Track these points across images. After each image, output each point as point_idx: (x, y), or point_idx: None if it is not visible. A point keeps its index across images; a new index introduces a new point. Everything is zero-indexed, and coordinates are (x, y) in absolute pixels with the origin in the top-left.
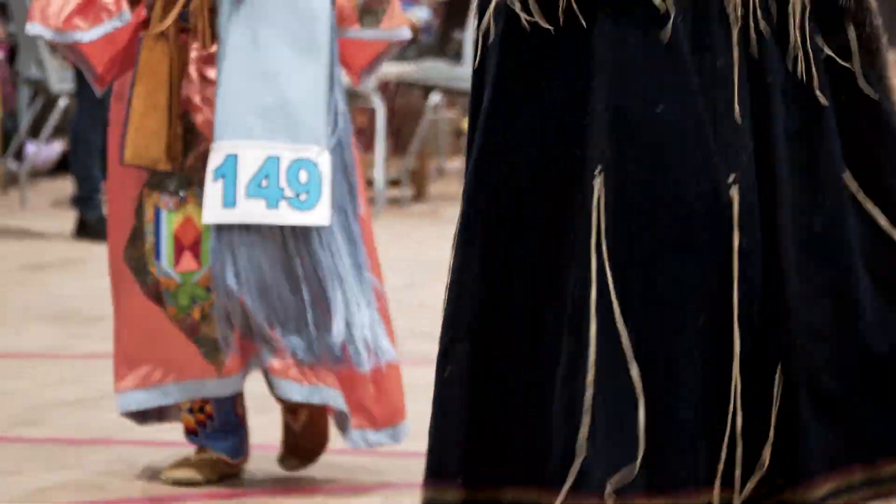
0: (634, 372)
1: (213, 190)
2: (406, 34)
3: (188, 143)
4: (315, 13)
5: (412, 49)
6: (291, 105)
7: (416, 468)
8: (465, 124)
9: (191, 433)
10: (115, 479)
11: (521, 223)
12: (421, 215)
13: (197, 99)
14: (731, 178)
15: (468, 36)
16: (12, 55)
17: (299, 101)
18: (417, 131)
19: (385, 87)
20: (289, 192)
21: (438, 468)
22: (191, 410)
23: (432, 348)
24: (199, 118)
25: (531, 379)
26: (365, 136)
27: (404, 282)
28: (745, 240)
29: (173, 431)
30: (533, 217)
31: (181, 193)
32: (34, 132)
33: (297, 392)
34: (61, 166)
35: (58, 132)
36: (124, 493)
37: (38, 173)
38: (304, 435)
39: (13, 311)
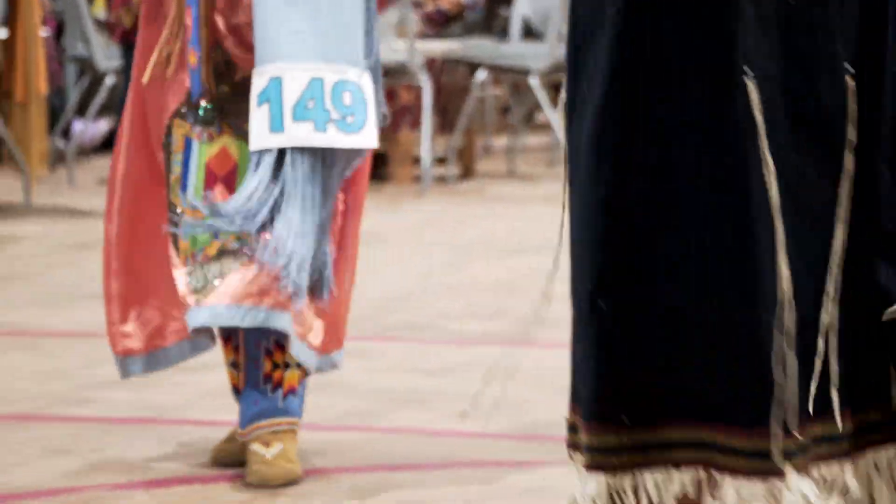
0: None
1: (258, 115)
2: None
3: (221, 73)
4: None
5: (458, 26)
6: (330, 26)
7: (446, 449)
8: (510, 102)
9: (235, 389)
10: (164, 459)
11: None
12: (467, 193)
13: (229, 26)
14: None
15: (515, 13)
16: (59, 32)
17: (337, 22)
18: (464, 109)
19: (431, 65)
20: (335, 115)
21: (602, 411)
22: (233, 364)
23: (478, 328)
24: (232, 46)
25: (698, 311)
26: (411, 114)
27: (450, 260)
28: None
29: (222, 411)
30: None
31: (216, 124)
32: (81, 110)
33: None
34: (108, 144)
35: (105, 110)
36: (172, 472)
37: (84, 151)
38: None
39: (61, 290)
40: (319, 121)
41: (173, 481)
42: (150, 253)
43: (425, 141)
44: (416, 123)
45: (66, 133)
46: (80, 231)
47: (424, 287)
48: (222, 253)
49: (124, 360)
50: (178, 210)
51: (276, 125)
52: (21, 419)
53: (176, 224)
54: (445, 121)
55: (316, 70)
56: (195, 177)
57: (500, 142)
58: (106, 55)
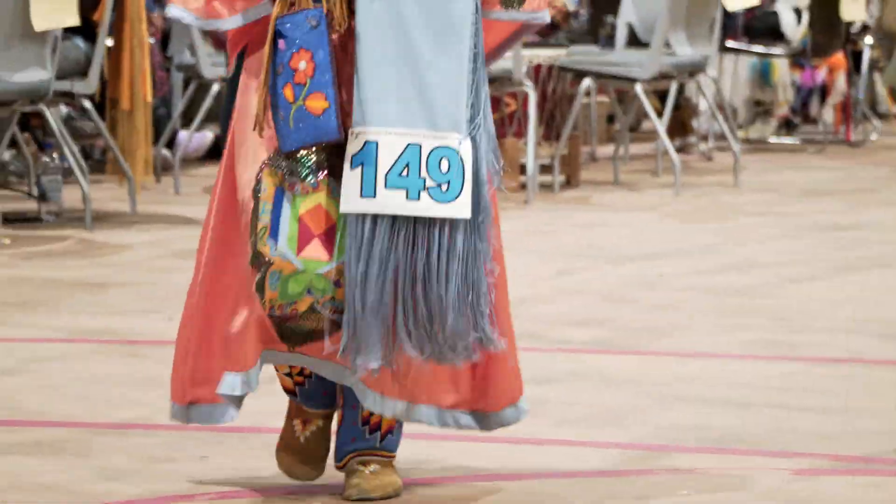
0: None
1: (351, 178)
2: (546, 17)
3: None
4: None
5: (564, 34)
6: (431, 90)
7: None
8: (615, 109)
9: (289, 392)
10: (268, 468)
11: None
12: (572, 202)
13: (343, 77)
14: None
15: (620, 20)
16: (165, 41)
17: (439, 85)
18: (569, 117)
19: (537, 73)
20: (430, 182)
21: None
22: (288, 374)
23: (583, 336)
24: (344, 101)
25: None
26: (516, 122)
27: (556, 268)
28: None
29: None
30: None
31: (312, 178)
32: (186, 118)
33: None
34: (213, 153)
35: (210, 118)
36: (274, 481)
37: (189, 160)
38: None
39: (167, 298)
40: (413, 188)
41: (278, 490)
42: (223, 306)
43: (530, 149)
44: (520, 131)
45: (170, 143)
46: (185, 239)
47: (529, 295)
48: (313, 310)
49: (187, 408)
50: (266, 258)
51: (369, 190)
52: (124, 427)
53: (261, 271)
54: (551, 129)
55: (414, 136)
56: (288, 228)
57: (605, 150)
58: (212, 63)
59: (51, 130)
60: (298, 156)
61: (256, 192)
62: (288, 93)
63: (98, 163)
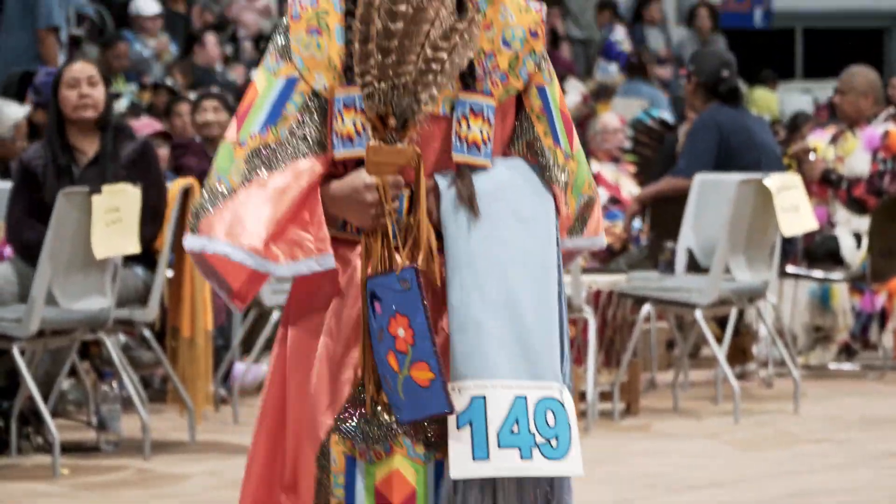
0: None
1: (459, 440)
2: (603, 242)
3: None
4: (549, 230)
5: (623, 260)
6: (532, 336)
7: None
8: (675, 336)
9: None
10: None
11: None
12: (632, 429)
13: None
14: None
15: (680, 246)
16: None
17: (538, 331)
18: (628, 343)
19: (597, 299)
20: (540, 438)
21: None
22: None
23: None
24: None
25: None
26: (576, 349)
27: (616, 498)
28: None
29: None
30: None
31: (384, 444)
32: (245, 346)
33: None
34: None
35: (269, 347)
36: None
37: (247, 391)
38: None
39: None
40: (525, 446)
41: None
42: None
43: (590, 376)
44: (580, 358)
45: (226, 376)
46: (242, 468)
47: None
48: None
49: None
50: None
51: (481, 452)
52: None
53: None
54: (610, 355)
55: (519, 387)
56: (364, 501)
57: (665, 376)
58: (273, 290)
59: (110, 359)
60: (370, 417)
61: (323, 462)
62: (392, 361)
63: (158, 392)
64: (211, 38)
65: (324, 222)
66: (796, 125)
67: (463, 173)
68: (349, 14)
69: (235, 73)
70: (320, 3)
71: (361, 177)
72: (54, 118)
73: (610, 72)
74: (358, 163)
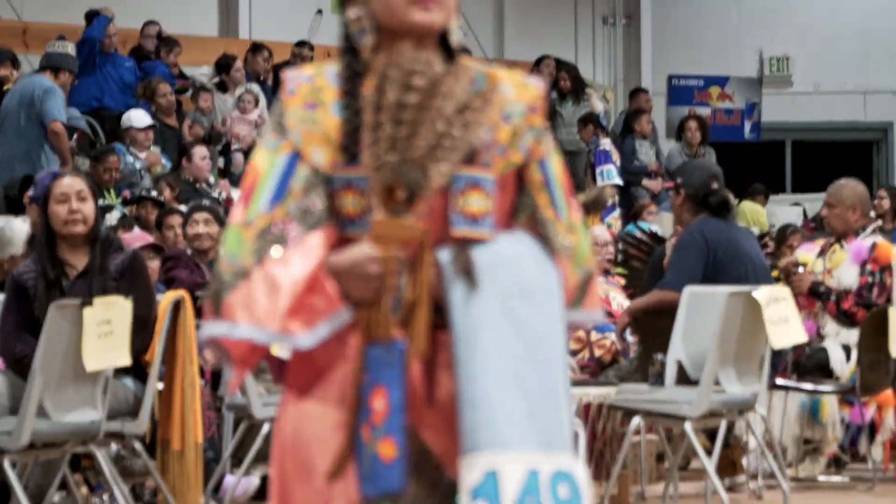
0: None
1: None
2: (601, 317)
3: (409, 466)
4: (554, 303)
5: (613, 372)
6: (541, 409)
7: None
8: (665, 448)
9: None
10: None
11: None
12: None
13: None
14: None
15: (670, 358)
16: (216, 382)
17: (546, 403)
18: (618, 456)
19: (586, 412)
20: None
21: None
22: None
23: None
24: (427, 433)
25: None
26: None
27: None
28: None
29: None
30: None
31: None
32: (235, 459)
33: None
34: (260, 495)
35: (259, 458)
36: None
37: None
38: None
39: None
40: None
41: None
42: None
43: None
44: None
45: (217, 489)
46: None
47: None
48: None
49: None
50: None
51: None
52: None
53: None
54: (600, 468)
55: (532, 460)
56: None
57: (655, 489)
58: (264, 402)
59: (101, 471)
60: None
61: None
62: (366, 433)
63: None
64: (200, 151)
65: (330, 283)
66: (784, 237)
67: (462, 247)
68: (347, 93)
69: (222, 188)
70: (315, 78)
71: (365, 249)
72: (44, 232)
73: (610, 175)
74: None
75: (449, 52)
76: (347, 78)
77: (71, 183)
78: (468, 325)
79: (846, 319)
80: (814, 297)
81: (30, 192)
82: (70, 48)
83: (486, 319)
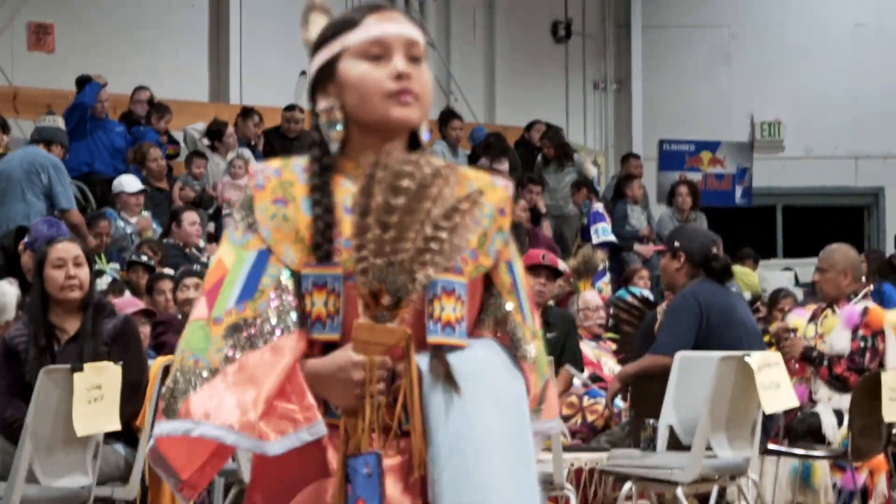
0: None
1: None
2: (559, 426)
3: None
4: (523, 413)
5: (605, 438)
6: (525, 480)
7: None
8: None
9: None
10: None
11: None
12: None
13: None
14: None
15: (662, 423)
16: None
17: (528, 474)
18: None
19: (578, 477)
20: None
21: None
22: None
23: None
24: None
25: None
26: None
27: None
28: None
29: None
30: None
31: None
32: None
33: None
34: None
35: None
36: None
37: None
38: None
39: None
40: None
41: None
42: None
43: None
44: None
45: None
46: None
47: None
48: None
49: None
50: None
51: None
52: None
53: None
54: None
55: None
56: None
57: None
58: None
59: None
60: None
61: None
62: None
63: None
64: (190, 216)
65: (307, 391)
66: (776, 301)
67: (439, 355)
68: (316, 188)
69: (211, 252)
70: (284, 173)
71: (348, 355)
72: (39, 297)
73: (605, 232)
74: (328, 345)
75: (416, 147)
76: (316, 173)
77: (68, 248)
78: (447, 435)
79: (839, 384)
80: (806, 362)
81: (25, 239)
82: (60, 122)
83: (462, 430)
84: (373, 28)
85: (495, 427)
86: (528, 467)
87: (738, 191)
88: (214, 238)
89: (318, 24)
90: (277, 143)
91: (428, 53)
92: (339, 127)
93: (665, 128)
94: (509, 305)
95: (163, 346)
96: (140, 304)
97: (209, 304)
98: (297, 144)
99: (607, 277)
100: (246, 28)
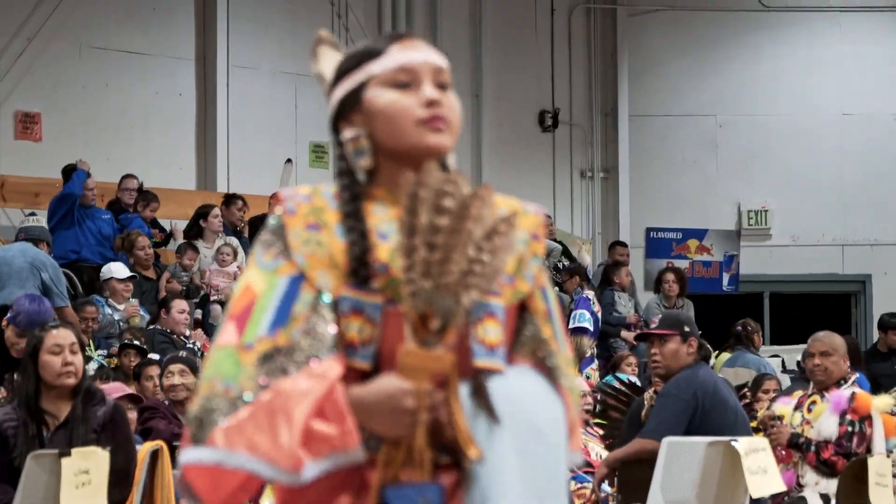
0: None
1: None
2: (579, 460)
3: None
4: (560, 439)
5: None
6: None
7: None
8: None
9: None
10: None
11: None
12: None
13: None
14: None
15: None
16: None
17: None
18: None
19: None
20: None
21: None
22: None
23: None
24: None
25: None
26: None
27: None
28: None
29: None
30: None
31: None
32: None
33: None
34: None
35: None
36: None
37: None
38: None
39: None
40: None
41: None
42: None
43: None
44: None
45: None
46: None
47: None
48: None
49: None
50: None
51: None
52: None
53: None
54: None
55: None
56: None
57: None
58: None
59: None
60: None
61: None
62: None
63: None
64: (179, 304)
65: (348, 415)
66: (760, 383)
67: (479, 381)
68: (349, 215)
69: (197, 338)
70: (314, 199)
71: (397, 382)
72: (32, 381)
73: (581, 319)
74: (362, 373)
75: None
76: (347, 200)
77: (64, 335)
78: (490, 464)
79: (826, 469)
80: (793, 448)
81: (8, 314)
82: (43, 220)
83: (502, 459)
84: (399, 56)
85: (534, 453)
86: (563, 493)
87: (726, 278)
88: (201, 325)
89: (327, 56)
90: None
91: None
92: (367, 155)
93: (652, 215)
94: (546, 333)
95: (150, 430)
96: (127, 389)
97: (238, 329)
98: None
99: (595, 364)
100: (233, 116)
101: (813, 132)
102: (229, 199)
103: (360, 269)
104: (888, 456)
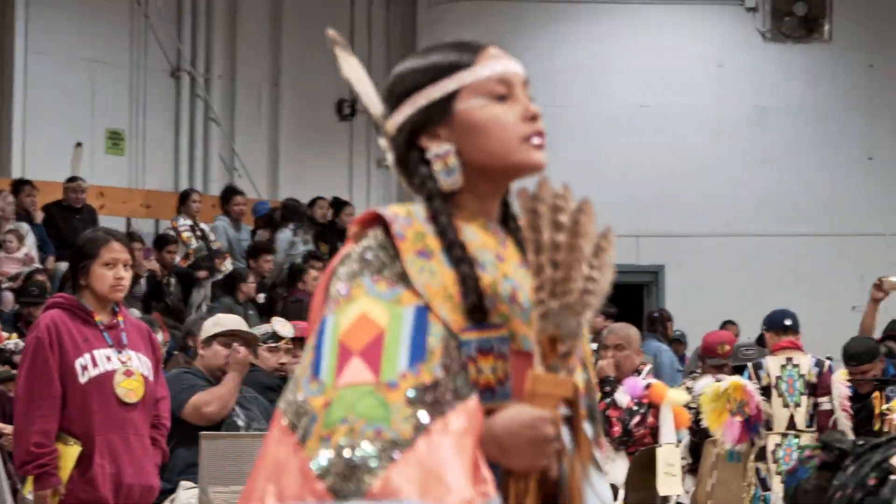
0: None
1: None
2: None
3: None
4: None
5: None
6: None
7: None
8: None
9: None
10: None
11: None
12: None
13: None
14: None
15: None
16: None
17: None
18: None
19: None
20: None
21: None
22: None
23: None
24: None
25: None
26: None
27: None
28: None
29: None
30: None
31: None
32: None
33: None
34: None
35: None
36: None
37: None
38: None
39: None
40: None
41: None
42: None
43: None
44: None
45: None
46: None
47: None
48: None
49: None
50: None
51: None
52: None
53: None
54: None
55: None
56: None
57: None
58: None
59: None
60: None
61: None
62: None
63: None
64: None
65: (482, 463)
66: None
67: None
68: (454, 244)
69: None
70: (414, 223)
71: (531, 410)
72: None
73: None
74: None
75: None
76: (446, 226)
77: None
78: None
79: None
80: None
81: None
82: None
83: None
84: (496, 65)
85: (604, 492)
86: None
87: None
88: None
89: (345, 59)
90: (59, 215)
91: (212, 130)
92: (457, 173)
93: None
94: (593, 377)
95: None
96: None
97: (372, 367)
98: (79, 217)
99: None
100: (30, 102)
101: (608, 124)
102: (18, 185)
103: (479, 304)
104: (677, 446)
